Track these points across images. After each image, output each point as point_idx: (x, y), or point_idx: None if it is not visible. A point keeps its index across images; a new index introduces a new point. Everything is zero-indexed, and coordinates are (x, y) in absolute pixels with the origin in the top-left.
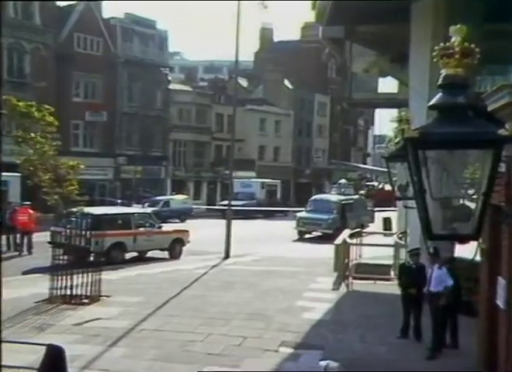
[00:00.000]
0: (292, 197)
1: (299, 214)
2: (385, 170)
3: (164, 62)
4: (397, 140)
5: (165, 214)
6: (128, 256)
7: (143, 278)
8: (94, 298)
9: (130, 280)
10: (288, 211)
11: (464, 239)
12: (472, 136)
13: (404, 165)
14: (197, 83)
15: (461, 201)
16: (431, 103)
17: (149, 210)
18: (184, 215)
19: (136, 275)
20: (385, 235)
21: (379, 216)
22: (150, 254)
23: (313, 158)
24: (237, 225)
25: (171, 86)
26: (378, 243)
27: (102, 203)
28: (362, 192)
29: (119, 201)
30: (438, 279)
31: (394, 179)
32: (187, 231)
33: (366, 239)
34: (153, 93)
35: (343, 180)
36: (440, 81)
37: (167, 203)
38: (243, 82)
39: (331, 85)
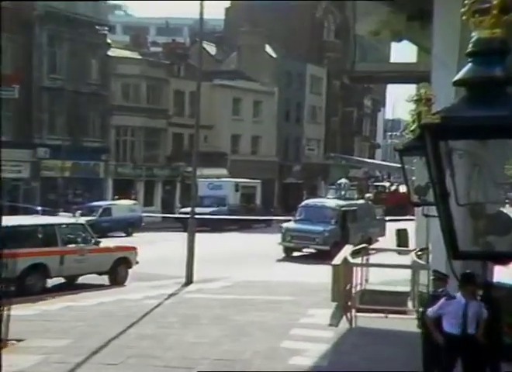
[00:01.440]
0: (276, 202)
1: (285, 224)
2: (399, 166)
3: (101, 18)
4: (414, 127)
5: (105, 225)
6: (51, 282)
7: (72, 313)
8: None
9: (54, 316)
10: (271, 220)
11: (502, 259)
12: None
13: (424, 160)
14: (148, 49)
15: (499, 208)
16: (457, 77)
17: (82, 220)
18: (131, 226)
19: (63, 309)
20: (399, 252)
21: (392, 227)
22: (82, 280)
23: (305, 151)
24: (204, 239)
25: (112, 52)
26: (391, 264)
27: (15, 211)
28: (369, 196)
29: (38, 208)
30: (475, 315)
31: (412, 178)
32: (134, 248)
33: (375, 258)
34: (87, 61)
35: (343, 180)
36: (470, 47)
37: (107, 211)
38: (211, 48)
39: (328, 53)
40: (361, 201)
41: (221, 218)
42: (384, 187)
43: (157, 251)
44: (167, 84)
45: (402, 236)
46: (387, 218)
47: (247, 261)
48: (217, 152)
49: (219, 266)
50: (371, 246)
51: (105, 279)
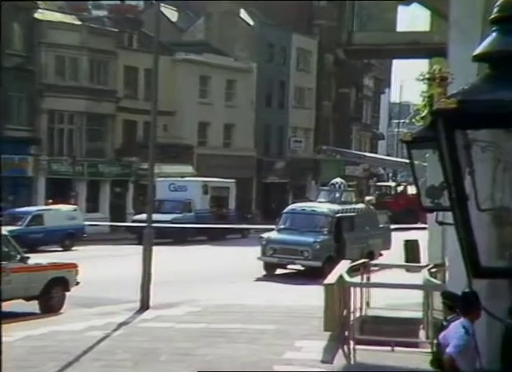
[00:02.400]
0: (254, 207)
1: (266, 235)
2: (408, 162)
3: None
4: (426, 112)
5: (35, 237)
6: None
7: None
8: None
9: None
10: (248, 230)
11: None
12: None
13: (437, 154)
14: (88, 12)
15: None
16: (479, 50)
17: (4, 230)
18: (69, 238)
19: None
20: (408, 269)
21: (399, 238)
22: (5, 307)
23: (290, 143)
24: (164, 253)
25: (40, 15)
26: (398, 283)
27: None
28: (370, 199)
29: None
30: None
31: (423, 177)
32: (74, 265)
33: (378, 277)
34: (7, 27)
35: (338, 180)
36: (495, 12)
37: (38, 218)
38: (171, 14)
39: (319, 20)
40: (361, 206)
41: (186, 227)
42: (389, 188)
43: (103, 269)
44: (116, 57)
45: (411, 249)
46: (393, 226)
47: (218, 281)
48: (180, 144)
49: (184, 288)
50: (374, 262)
51: (34, 305)
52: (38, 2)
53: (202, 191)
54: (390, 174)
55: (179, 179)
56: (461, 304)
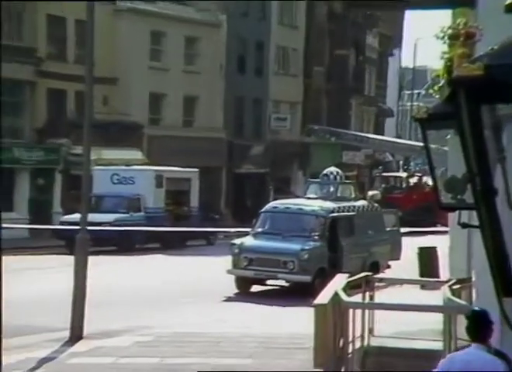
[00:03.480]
0: (224, 204)
1: (239, 241)
2: (423, 145)
3: None
4: (444, 81)
5: None
6: None
7: None
8: None
9: None
10: (216, 234)
11: None
12: None
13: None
14: None
15: None
16: None
17: None
18: None
19: None
20: (423, 285)
21: (412, 245)
22: None
23: (271, 121)
24: (103, 266)
25: None
26: (410, 304)
27: None
28: (374, 194)
29: None
30: None
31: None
32: None
33: (384, 295)
34: None
35: (333, 170)
36: None
37: None
38: None
39: None
40: (362, 203)
41: (133, 230)
42: (399, 179)
43: (20, 287)
44: (34, 3)
45: (427, 259)
46: (403, 229)
47: (176, 301)
48: (126, 122)
49: (130, 310)
50: (379, 276)
51: None
52: None
53: (154, 183)
54: (401, 162)
55: (124, 168)
56: (476, 328)
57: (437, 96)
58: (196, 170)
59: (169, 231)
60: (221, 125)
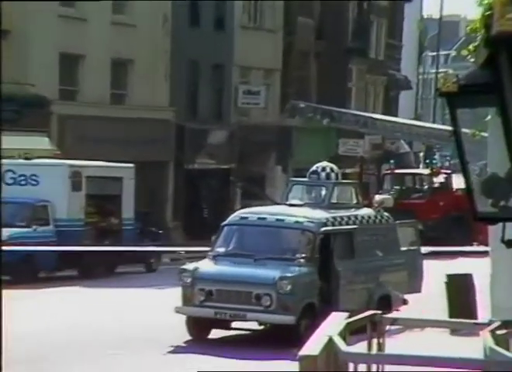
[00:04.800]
0: (172, 214)
1: (193, 266)
2: (451, 129)
3: None
4: (481, 39)
5: None
6: None
7: None
8: None
9: None
10: (159, 256)
11: None
12: None
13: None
14: None
15: None
16: None
17: None
18: None
19: None
20: (453, 329)
21: (438, 271)
22: None
23: (238, 97)
24: None
25: None
26: (436, 356)
27: None
28: (384, 199)
29: None
30: None
31: (478, 164)
32: None
33: (399, 343)
34: None
35: (326, 165)
36: None
37: None
38: None
39: None
40: (367, 212)
41: (37, 251)
42: (418, 178)
43: None
44: None
45: (459, 292)
46: (426, 249)
47: (103, 355)
48: (26, 97)
49: (31, 369)
50: (391, 315)
51: None
52: None
53: (69, 184)
54: (421, 154)
55: (23, 162)
56: None
57: (472, 59)
58: (131, 165)
59: (91, 252)
60: (166, 101)
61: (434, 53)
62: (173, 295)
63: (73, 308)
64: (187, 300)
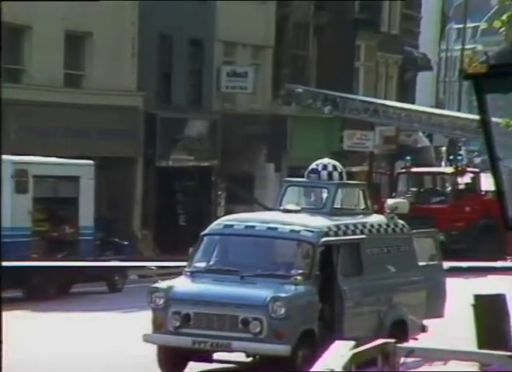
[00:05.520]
0: (140, 221)
1: (166, 284)
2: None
3: None
4: None
5: None
6: None
7: None
8: None
9: None
10: (124, 271)
11: None
12: None
13: None
14: None
15: None
16: None
17: None
18: None
19: None
20: (484, 364)
21: (464, 290)
22: None
23: (221, 79)
24: None
25: None
26: None
27: None
28: (397, 203)
29: None
30: None
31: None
32: None
33: None
34: None
35: (327, 162)
36: None
37: None
38: None
39: None
40: (377, 219)
41: None
42: (440, 178)
43: None
44: None
45: (490, 317)
46: (449, 264)
47: None
48: None
49: None
50: (407, 345)
51: None
52: None
53: (12, 185)
54: (443, 149)
55: None
56: None
57: (504, 34)
58: (90, 162)
59: (40, 268)
60: (133, 84)
61: (460, 26)
62: (141, 320)
63: (17, 337)
64: (159, 326)
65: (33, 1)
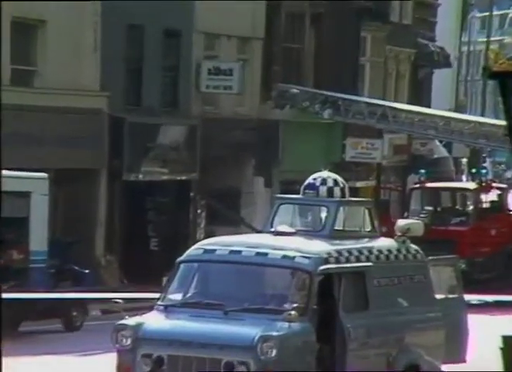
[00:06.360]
0: (104, 245)
1: (135, 321)
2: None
3: None
4: None
5: None
6: None
7: None
8: None
9: None
10: (83, 305)
11: None
12: None
13: None
14: None
15: None
16: None
17: None
18: None
19: None
20: None
21: (489, 329)
22: None
23: (200, 77)
24: None
25: None
26: None
27: None
28: (409, 224)
29: None
30: None
31: None
32: None
33: None
34: None
35: (326, 176)
36: None
37: None
38: None
39: None
40: (386, 244)
41: None
42: (460, 194)
43: None
44: None
45: None
46: (471, 298)
47: None
48: None
49: None
50: None
51: None
52: None
53: None
54: (464, 160)
55: None
56: None
57: None
58: (44, 175)
59: None
60: (96, 83)
61: (485, 14)
62: (105, 365)
63: None
64: (124, 371)
65: (35, 0)
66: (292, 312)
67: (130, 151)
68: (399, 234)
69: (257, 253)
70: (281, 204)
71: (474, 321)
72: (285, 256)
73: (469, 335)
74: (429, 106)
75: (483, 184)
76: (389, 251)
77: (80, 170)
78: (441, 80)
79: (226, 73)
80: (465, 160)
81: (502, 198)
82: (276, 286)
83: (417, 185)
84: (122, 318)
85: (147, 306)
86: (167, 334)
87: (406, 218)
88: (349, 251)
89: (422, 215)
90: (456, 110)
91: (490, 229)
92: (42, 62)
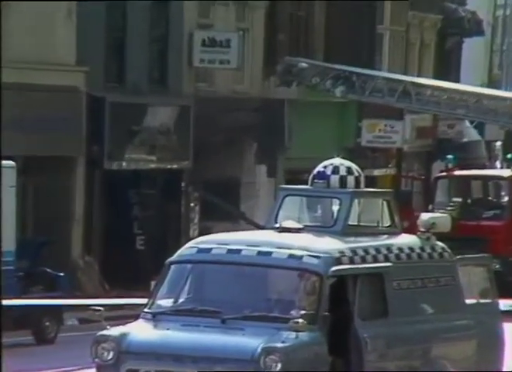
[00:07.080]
0: (82, 245)
1: (118, 331)
2: None
3: None
4: None
5: None
6: None
7: None
8: None
9: None
10: (59, 313)
11: None
12: None
13: None
14: None
15: None
16: None
17: None
18: None
19: None
20: None
21: None
22: None
23: (193, 51)
24: None
25: None
26: None
27: None
28: (434, 219)
29: None
30: None
31: None
32: None
33: None
34: None
35: (339, 163)
36: None
37: None
38: None
39: None
40: (408, 241)
41: None
42: (493, 184)
43: None
44: None
45: None
46: (507, 303)
47: None
48: None
49: None
50: None
51: None
52: None
53: None
54: (498, 144)
55: None
56: None
57: None
58: (10, 163)
59: None
60: (71, 57)
61: None
62: None
63: None
64: None
65: (35, 0)
66: (300, 320)
67: (112, 136)
68: (423, 230)
69: (259, 253)
70: (287, 196)
71: (510, 329)
72: (291, 256)
73: (505, 345)
74: (458, 81)
75: None
76: (411, 249)
77: (53, 158)
78: (473, 51)
79: (223, 44)
80: (499, 144)
81: None
82: (281, 290)
83: (444, 173)
84: (103, 329)
85: (131, 314)
86: (155, 346)
87: (431, 211)
88: (365, 249)
89: (449, 208)
90: (489, 85)
91: None
92: (9, 32)
